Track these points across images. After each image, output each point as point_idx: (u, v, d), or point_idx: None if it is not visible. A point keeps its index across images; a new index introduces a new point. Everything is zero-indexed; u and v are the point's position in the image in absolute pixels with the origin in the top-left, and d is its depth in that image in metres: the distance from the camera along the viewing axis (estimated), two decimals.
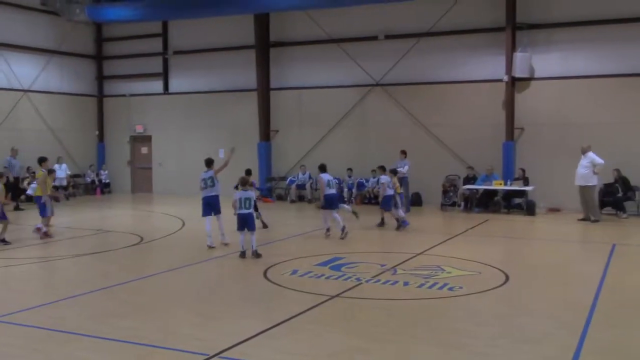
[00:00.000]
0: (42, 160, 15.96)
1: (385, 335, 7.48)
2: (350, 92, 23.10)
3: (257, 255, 12.31)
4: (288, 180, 23.89)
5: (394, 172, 16.90)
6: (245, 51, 24.66)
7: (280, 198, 23.82)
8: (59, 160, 24.67)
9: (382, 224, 16.60)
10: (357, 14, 22.63)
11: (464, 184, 20.63)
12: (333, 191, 15.01)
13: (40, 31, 25.35)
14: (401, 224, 16.14)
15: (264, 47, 24.25)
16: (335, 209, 14.92)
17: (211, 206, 13.74)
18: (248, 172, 15.04)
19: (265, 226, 16.41)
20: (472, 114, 21.38)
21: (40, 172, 15.88)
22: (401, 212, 16.54)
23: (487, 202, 20.02)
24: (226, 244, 13.73)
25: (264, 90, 24.30)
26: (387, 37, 22.37)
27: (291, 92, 24.18)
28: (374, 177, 21.94)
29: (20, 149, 23.94)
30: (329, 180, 15.02)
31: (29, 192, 21.87)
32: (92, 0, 24.83)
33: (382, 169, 16.49)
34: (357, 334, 7.57)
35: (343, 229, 14.67)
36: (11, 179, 21.30)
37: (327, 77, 23.51)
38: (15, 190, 21.58)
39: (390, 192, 16.05)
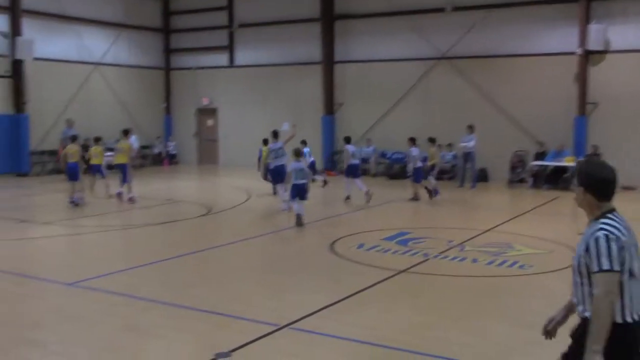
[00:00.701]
0: (127, 132, 17.18)
1: (453, 312, 7.44)
2: (416, 65, 22.79)
3: (300, 222, 12.86)
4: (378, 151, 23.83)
5: (432, 140, 17.56)
6: (309, 24, 24.59)
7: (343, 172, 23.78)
8: (128, 133, 25.20)
9: (415, 198, 16.69)
10: None
11: (534, 160, 20.17)
12: (356, 161, 16.60)
13: (110, 6, 25.90)
14: (433, 194, 16.77)
15: (329, 19, 24.13)
16: (357, 177, 16.42)
17: (281, 175, 14.95)
18: (303, 143, 15.71)
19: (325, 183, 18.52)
20: (542, 88, 20.80)
21: (125, 143, 16.75)
22: (433, 181, 17.13)
23: (556, 179, 19.54)
24: (284, 210, 14.55)
25: (328, 63, 24.24)
26: (455, 9, 21.90)
27: (355, 65, 24.03)
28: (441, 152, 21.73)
29: (91, 121, 24.70)
30: (353, 152, 16.54)
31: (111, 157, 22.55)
32: None
33: (412, 141, 16.64)
34: (425, 309, 7.56)
35: (367, 192, 15.92)
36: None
37: (392, 50, 23.24)
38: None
39: (419, 164, 16.50)
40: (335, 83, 24.46)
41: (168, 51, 28.56)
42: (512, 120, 21.32)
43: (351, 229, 12.67)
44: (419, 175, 16.55)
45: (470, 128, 19.70)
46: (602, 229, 3.53)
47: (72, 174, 15.81)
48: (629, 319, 3.51)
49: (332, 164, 24.22)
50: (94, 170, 17.45)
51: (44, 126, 23.31)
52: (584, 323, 3.59)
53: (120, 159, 16.60)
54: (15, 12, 22.24)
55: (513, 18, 21.08)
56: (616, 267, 3.45)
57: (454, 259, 10.11)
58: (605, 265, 3.45)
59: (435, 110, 22.62)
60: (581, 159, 18.91)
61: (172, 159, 27.77)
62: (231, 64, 27.04)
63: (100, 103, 25.62)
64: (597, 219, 3.62)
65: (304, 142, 17.58)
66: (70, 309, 7.59)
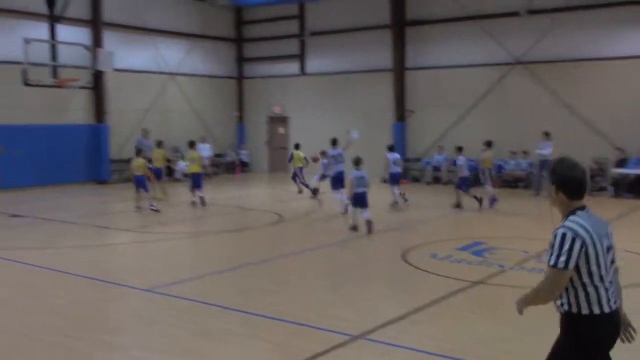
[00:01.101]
0: (192, 144, 17.96)
1: (529, 324, 7.25)
2: (489, 71, 22.40)
3: (370, 227, 13.04)
4: (423, 161, 23.64)
5: (488, 144, 17.30)
6: (380, 31, 24.56)
7: (416, 180, 23.65)
8: (202, 140, 25.85)
9: (458, 205, 16.58)
10: None
11: (614, 167, 19.45)
12: (397, 169, 17.01)
13: (185, 17, 26.63)
14: (491, 202, 16.58)
15: (400, 26, 24.03)
16: (396, 184, 16.94)
17: (340, 181, 15.71)
18: (390, 149, 17.05)
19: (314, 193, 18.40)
20: (621, 92, 20.05)
21: (194, 153, 17.59)
22: (490, 189, 16.83)
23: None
24: (343, 214, 15.14)
25: (400, 70, 24.12)
26: (530, 12, 21.41)
27: (427, 72, 23.82)
28: (512, 159, 21.26)
29: (167, 129, 25.44)
30: (394, 159, 16.97)
31: (181, 166, 23.17)
32: None
33: (460, 150, 16.85)
34: (501, 322, 7.40)
35: (393, 203, 16.67)
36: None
37: (464, 55, 22.92)
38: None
39: (466, 173, 16.54)
40: (407, 90, 24.32)
41: (240, 60, 29.09)
42: (590, 126, 20.65)
43: (423, 238, 12.54)
44: (463, 184, 16.54)
45: (547, 135, 19.19)
46: (563, 226, 3.78)
47: (139, 184, 16.48)
48: (596, 311, 3.77)
49: (403, 171, 23.99)
50: (157, 173, 17.95)
51: (122, 135, 24.16)
52: (564, 317, 3.88)
53: (193, 169, 17.33)
54: (96, 25, 23.18)
55: (590, 21, 20.44)
56: (561, 265, 3.69)
57: (531, 270, 9.85)
58: (553, 261, 3.72)
59: (509, 116, 22.16)
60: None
61: (244, 167, 28.22)
62: (302, 72, 27.28)
63: (176, 112, 26.34)
64: (566, 217, 3.83)
65: (391, 148, 17.51)
66: (149, 314, 7.81)
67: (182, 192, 20.46)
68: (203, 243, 12.69)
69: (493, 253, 11.07)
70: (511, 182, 21.19)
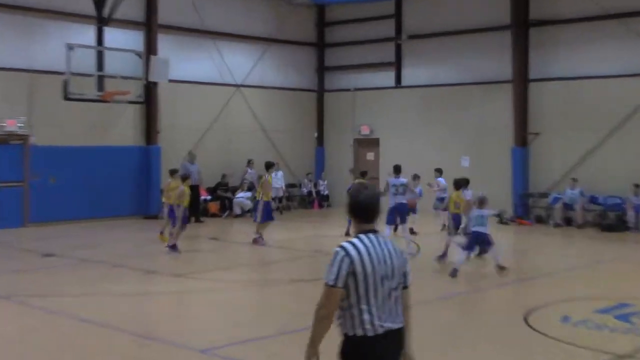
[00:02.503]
0: (269, 166, 18.51)
1: None
2: (638, 83, 21.74)
3: (500, 268, 13.47)
4: (551, 197, 23.04)
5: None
6: (497, 33, 24.34)
7: (540, 220, 23.03)
8: (274, 168, 25.91)
9: None
10: None
11: None
12: (402, 200, 16.81)
13: (256, 17, 27.20)
14: None
15: (522, 27, 23.71)
16: (401, 222, 16.96)
17: (402, 214, 16.45)
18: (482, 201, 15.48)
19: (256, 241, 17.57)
20: None
21: (269, 177, 18.17)
22: None
23: None
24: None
25: (521, 81, 23.75)
26: None
27: (556, 84, 23.34)
28: None
29: (229, 153, 25.85)
30: (398, 185, 16.95)
31: (240, 197, 23.59)
32: None
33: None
34: None
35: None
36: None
37: (604, 63, 22.35)
38: (195, 200, 22.45)
39: None
40: (530, 106, 23.89)
41: (322, 69, 29.41)
42: None
43: (551, 295, 12.19)
44: None
45: None
46: (340, 245, 4.71)
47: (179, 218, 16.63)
48: (359, 333, 4.70)
49: (524, 209, 23.51)
50: (171, 213, 17.39)
51: (177, 159, 24.60)
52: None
53: (258, 195, 17.84)
54: (150, 28, 23.96)
55: None
56: (330, 282, 4.64)
57: None
58: (325, 277, 4.65)
59: None
60: None
61: (323, 200, 28.27)
62: (398, 84, 27.27)
63: (241, 132, 26.77)
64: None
65: (397, 170, 17.46)
66: None
67: (241, 230, 20.71)
68: (271, 295, 12.71)
69: None
70: None
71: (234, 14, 26.53)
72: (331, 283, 4.62)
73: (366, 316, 4.66)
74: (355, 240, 4.73)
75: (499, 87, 24.40)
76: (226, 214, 24.69)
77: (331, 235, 21.03)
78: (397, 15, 27.08)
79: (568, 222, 22.54)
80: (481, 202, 13.91)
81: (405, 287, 4.93)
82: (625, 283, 13.71)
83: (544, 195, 23.50)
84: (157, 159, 24.08)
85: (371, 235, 4.77)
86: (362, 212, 4.81)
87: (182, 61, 24.64)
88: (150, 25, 23.98)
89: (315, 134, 29.41)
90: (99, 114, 22.68)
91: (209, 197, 24.81)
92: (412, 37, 26.68)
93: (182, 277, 13.93)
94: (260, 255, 16.90)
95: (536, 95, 23.82)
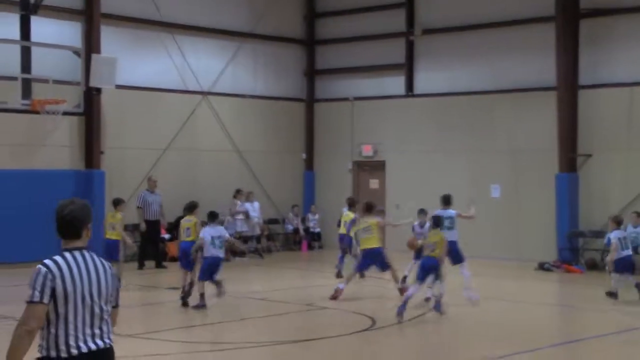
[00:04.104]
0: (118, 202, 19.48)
1: None
2: None
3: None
4: (608, 237, 22.83)
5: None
6: (536, 27, 24.42)
7: (594, 266, 22.85)
8: (248, 197, 25.81)
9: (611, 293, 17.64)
10: None
11: None
12: (628, 252, 17.85)
13: (227, 6, 27.22)
14: None
15: (570, 18, 23.72)
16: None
17: (456, 257, 17.11)
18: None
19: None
20: None
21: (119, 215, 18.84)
22: None
23: None
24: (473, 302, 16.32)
25: (569, 87, 23.71)
26: None
27: (615, 91, 23.40)
28: None
29: (194, 179, 25.62)
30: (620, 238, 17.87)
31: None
32: None
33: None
34: None
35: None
36: (142, 224, 23.12)
37: None
38: (154, 238, 22.86)
39: (624, 253, 17.76)
40: (580, 120, 23.86)
41: (312, 73, 29.39)
42: None
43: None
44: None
45: None
46: (42, 262, 5.56)
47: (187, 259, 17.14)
48: (63, 354, 5.48)
49: (573, 251, 23.34)
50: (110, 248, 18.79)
51: (124, 188, 24.33)
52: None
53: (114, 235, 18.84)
54: (91, 19, 23.64)
55: None
56: (36, 299, 5.43)
57: None
58: (29, 296, 5.44)
59: None
60: None
61: (314, 240, 28.01)
62: (409, 92, 27.26)
63: (209, 151, 26.58)
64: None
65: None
66: None
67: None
68: None
69: None
70: None
71: (199, 1, 26.45)
72: (36, 299, 5.42)
73: (62, 336, 5.49)
74: (57, 258, 5.57)
75: (540, 96, 24.46)
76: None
77: (325, 284, 20.78)
78: (409, 4, 27.14)
79: (633, 268, 22.35)
80: (618, 222, 16.87)
81: (115, 307, 5.83)
82: None
83: (599, 234, 23.27)
84: (100, 186, 23.85)
85: (76, 253, 5.63)
86: (66, 228, 5.70)
87: (132, 62, 24.56)
88: (90, 15, 23.71)
89: (304, 156, 29.29)
90: (25, 128, 22.48)
91: (167, 236, 24.48)
92: (428, 31, 26.73)
93: (133, 337, 13.62)
94: (236, 310, 16.60)
95: (588, 106, 23.82)
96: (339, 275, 19.73)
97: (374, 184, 28.09)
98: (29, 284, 5.47)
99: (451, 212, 17.38)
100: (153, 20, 25.17)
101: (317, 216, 28.42)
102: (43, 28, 22.05)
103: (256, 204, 26.01)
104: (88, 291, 5.55)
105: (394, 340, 14.24)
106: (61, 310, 5.48)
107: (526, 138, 24.70)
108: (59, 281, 5.47)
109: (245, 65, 27.82)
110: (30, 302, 5.44)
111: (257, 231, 25.91)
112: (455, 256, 17.20)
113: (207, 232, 16.38)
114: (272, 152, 28.37)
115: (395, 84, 27.53)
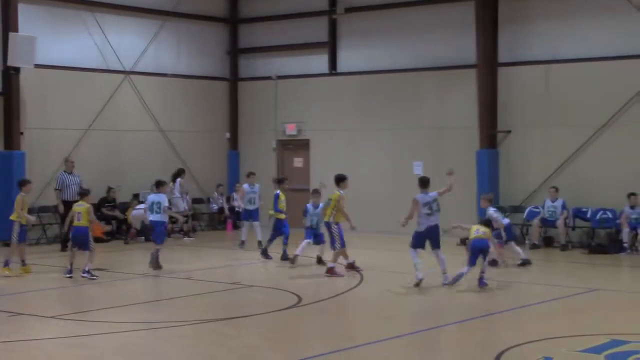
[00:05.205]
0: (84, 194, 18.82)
1: None
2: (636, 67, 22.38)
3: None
4: (527, 211, 23.45)
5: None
6: (456, 5, 24.81)
7: (514, 239, 23.34)
8: (174, 177, 25.79)
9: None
10: None
11: None
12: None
13: None
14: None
15: None
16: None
17: (431, 237, 16.60)
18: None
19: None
20: None
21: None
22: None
23: None
24: (447, 284, 16.32)
25: (488, 65, 24.11)
26: None
27: (533, 69, 23.83)
28: None
29: (117, 159, 25.72)
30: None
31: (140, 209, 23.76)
32: None
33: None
34: None
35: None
36: (60, 206, 23.02)
37: (594, 42, 22.90)
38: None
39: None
40: (500, 98, 24.31)
41: (235, 51, 29.50)
42: None
43: (528, 333, 12.40)
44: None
45: None
46: None
47: (80, 242, 17.78)
48: None
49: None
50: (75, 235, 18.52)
51: (46, 169, 24.31)
52: None
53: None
54: None
55: None
56: None
57: None
58: None
59: None
60: None
61: (239, 220, 28.19)
62: (332, 71, 27.51)
63: (132, 131, 26.65)
64: None
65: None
66: None
67: (137, 258, 20.60)
68: (171, 339, 12.62)
69: None
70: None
71: None
72: None
73: None
74: None
75: (461, 74, 24.83)
76: (127, 238, 24.65)
77: (250, 262, 21.03)
78: None
79: (548, 242, 22.99)
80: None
81: None
82: (617, 316, 14.00)
83: (518, 209, 23.90)
84: (21, 167, 23.57)
85: None
86: None
87: (52, 40, 24.45)
88: None
89: (228, 135, 29.47)
90: None
91: None
92: (350, 9, 26.93)
93: (57, 318, 13.73)
94: (161, 289, 16.77)
95: (507, 84, 24.28)
96: (284, 258, 20.35)
97: (298, 162, 28.34)
98: None
99: (434, 194, 16.80)
100: None
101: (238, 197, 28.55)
102: None
103: (176, 184, 25.84)
104: None
105: (319, 316, 14.51)
106: None
107: (448, 115, 25.13)
108: None
109: (168, 44, 27.87)
110: None
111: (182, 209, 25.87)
112: (436, 240, 16.76)
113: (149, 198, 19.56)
114: (196, 132, 28.47)
115: (318, 62, 27.76)
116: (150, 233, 20.03)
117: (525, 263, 19.27)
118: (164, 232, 19.60)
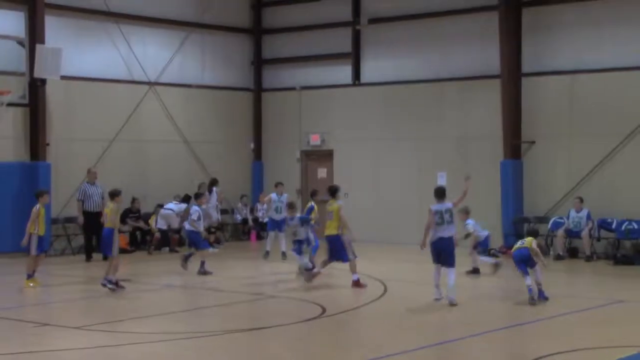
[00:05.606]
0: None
1: None
2: None
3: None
4: (551, 221, 23.32)
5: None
6: (480, 15, 24.80)
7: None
8: (200, 188, 25.82)
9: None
10: None
11: None
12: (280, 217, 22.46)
13: None
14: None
15: (513, 6, 24.09)
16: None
17: (441, 252, 15.92)
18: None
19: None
20: None
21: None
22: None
23: None
24: (453, 305, 15.51)
25: (512, 75, 24.07)
26: None
27: (557, 79, 23.77)
28: None
29: (142, 169, 25.80)
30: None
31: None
32: None
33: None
34: None
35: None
36: (80, 217, 23.05)
37: (620, 52, 22.83)
38: (97, 230, 22.05)
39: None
40: (524, 108, 24.25)
41: (259, 62, 29.55)
42: None
43: (553, 345, 12.31)
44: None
45: None
46: None
47: (103, 244, 18.06)
48: None
49: (518, 238, 23.60)
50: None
51: (71, 180, 24.34)
52: None
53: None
54: (35, 8, 23.52)
55: None
56: None
57: None
58: None
59: None
60: None
61: (263, 230, 28.18)
62: (356, 81, 27.53)
63: (156, 142, 26.74)
64: None
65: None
66: None
67: (162, 268, 20.59)
68: (195, 350, 12.63)
69: None
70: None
71: None
72: None
73: None
74: None
75: (484, 84, 24.80)
76: (151, 247, 24.63)
77: (274, 272, 21.02)
78: None
79: (573, 253, 22.85)
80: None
81: None
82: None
83: (542, 219, 23.78)
84: (46, 178, 23.64)
85: None
86: None
87: (78, 52, 24.59)
88: (34, 5, 23.60)
89: (252, 145, 29.48)
90: None
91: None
92: (374, 20, 26.98)
93: (84, 329, 13.75)
94: (185, 300, 16.76)
95: (531, 94, 24.20)
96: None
97: (321, 172, 28.34)
98: None
99: (448, 204, 16.09)
100: (98, 10, 25.18)
101: (265, 206, 28.54)
102: None
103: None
104: None
105: (343, 327, 14.48)
106: None
107: (472, 125, 25.10)
108: None
109: (193, 55, 27.97)
110: None
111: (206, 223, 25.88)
112: (448, 256, 15.92)
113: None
114: (220, 142, 28.53)
115: (342, 73, 27.78)
116: (175, 242, 21.04)
117: (475, 271, 19.51)
118: (201, 239, 20.23)
